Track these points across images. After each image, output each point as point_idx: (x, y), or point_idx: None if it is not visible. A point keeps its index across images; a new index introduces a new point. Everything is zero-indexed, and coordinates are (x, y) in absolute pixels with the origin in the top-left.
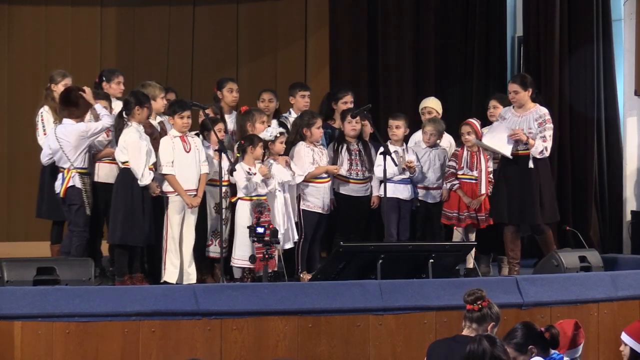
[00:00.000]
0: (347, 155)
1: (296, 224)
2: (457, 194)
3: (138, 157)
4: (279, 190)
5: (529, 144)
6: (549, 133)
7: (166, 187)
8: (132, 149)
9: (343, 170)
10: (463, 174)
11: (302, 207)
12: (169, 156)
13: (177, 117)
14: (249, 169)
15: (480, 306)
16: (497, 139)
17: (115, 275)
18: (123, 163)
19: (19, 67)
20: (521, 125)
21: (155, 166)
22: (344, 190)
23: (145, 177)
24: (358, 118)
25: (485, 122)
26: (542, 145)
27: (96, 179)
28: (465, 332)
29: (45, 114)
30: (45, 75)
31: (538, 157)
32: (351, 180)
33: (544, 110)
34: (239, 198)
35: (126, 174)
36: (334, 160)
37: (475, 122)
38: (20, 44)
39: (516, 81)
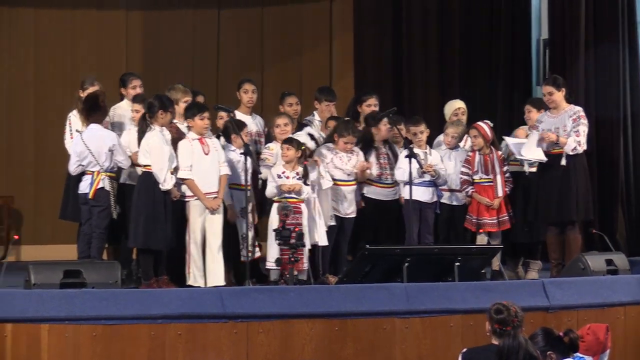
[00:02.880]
0: (375, 160)
1: (332, 227)
2: (475, 199)
3: (160, 161)
4: (315, 197)
5: (561, 142)
6: (583, 129)
7: (186, 190)
8: (154, 153)
9: (373, 174)
10: (479, 178)
11: None
12: (187, 160)
13: (197, 118)
14: (282, 172)
15: (511, 326)
16: (531, 149)
17: (141, 279)
18: (145, 166)
19: (45, 71)
20: (556, 125)
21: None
22: (373, 194)
23: (167, 182)
24: (385, 121)
25: (516, 122)
26: (574, 142)
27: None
28: (494, 341)
29: (73, 118)
30: (71, 79)
31: (571, 153)
32: (381, 185)
33: (578, 108)
34: (272, 201)
35: (148, 178)
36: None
37: (483, 125)
38: (46, 48)
39: (549, 83)
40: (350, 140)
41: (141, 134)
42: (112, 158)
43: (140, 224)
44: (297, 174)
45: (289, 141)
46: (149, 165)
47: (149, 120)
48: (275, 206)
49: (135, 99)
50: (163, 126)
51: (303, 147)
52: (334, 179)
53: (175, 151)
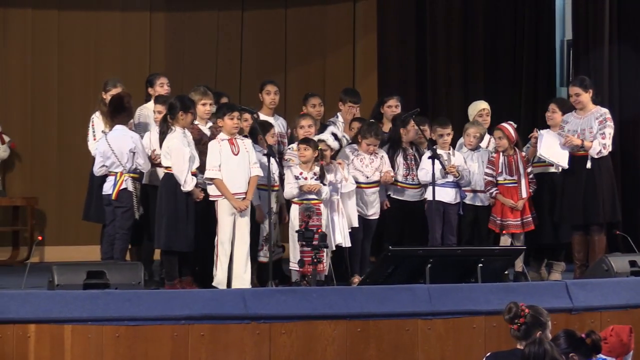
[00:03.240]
0: (402, 160)
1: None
2: (499, 200)
3: (181, 162)
4: (338, 198)
5: (586, 146)
6: (609, 131)
7: (214, 191)
8: (175, 155)
9: (399, 176)
10: (504, 180)
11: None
12: (215, 160)
13: (227, 118)
14: (300, 173)
15: (519, 324)
16: (554, 150)
17: (164, 280)
18: (167, 168)
19: (68, 73)
20: (582, 127)
21: (202, 171)
22: (398, 195)
23: (188, 183)
24: (412, 123)
25: (539, 123)
26: (599, 145)
27: (144, 181)
28: (519, 346)
29: (96, 119)
30: (95, 81)
31: (596, 157)
32: (407, 186)
33: (604, 110)
34: (292, 202)
35: (169, 179)
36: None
37: (507, 126)
38: (70, 50)
39: (576, 84)
40: (373, 142)
41: (162, 135)
42: (134, 159)
43: (162, 225)
44: (315, 174)
45: (306, 141)
46: (171, 167)
47: (170, 121)
48: (295, 207)
49: (157, 100)
50: (184, 127)
51: (320, 148)
52: (356, 182)
53: (198, 152)
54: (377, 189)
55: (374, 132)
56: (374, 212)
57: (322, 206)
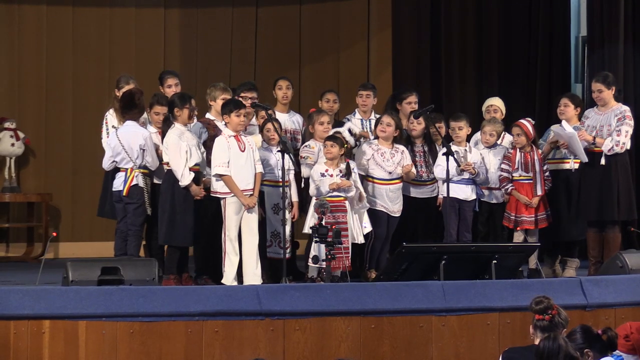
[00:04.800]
0: (411, 155)
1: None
2: (514, 196)
3: (177, 157)
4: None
5: (597, 143)
6: (626, 129)
7: (222, 188)
8: (170, 150)
9: (415, 174)
10: (519, 176)
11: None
12: (224, 156)
13: (233, 114)
14: (325, 170)
15: (551, 315)
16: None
17: (162, 275)
18: (166, 164)
19: (83, 69)
20: (602, 123)
21: (209, 165)
22: (413, 192)
23: (185, 178)
24: (421, 118)
25: (554, 120)
26: (611, 142)
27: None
28: (537, 341)
29: (109, 117)
30: (109, 77)
31: (608, 154)
32: (416, 182)
33: (625, 107)
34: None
35: (169, 175)
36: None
37: (526, 123)
38: (85, 46)
39: (599, 80)
40: (388, 121)
41: (164, 134)
42: (144, 156)
43: (164, 221)
44: (340, 171)
45: (333, 138)
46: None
47: (171, 119)
48: (313, 204)
49: (156, 100)
50: (185, 124)
51: (346, 145)
52: (373, 178)
53: (207, 149)
54: (400, 185)
55: (388, 113)
56: (397, 209)
57: (347, 204)
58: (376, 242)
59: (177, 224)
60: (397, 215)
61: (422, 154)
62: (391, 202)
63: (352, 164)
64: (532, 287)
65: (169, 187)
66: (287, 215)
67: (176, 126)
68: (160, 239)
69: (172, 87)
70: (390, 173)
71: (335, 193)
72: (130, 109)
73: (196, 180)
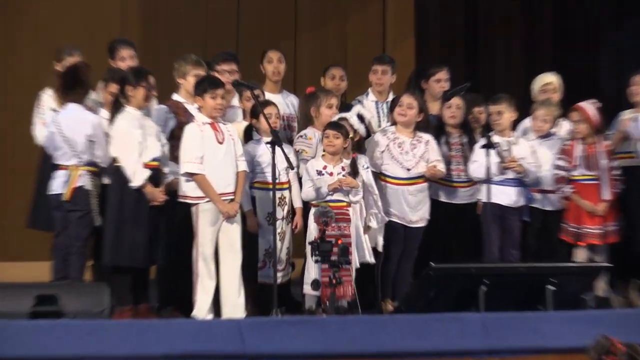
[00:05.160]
0: (446, 150)
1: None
2: (574, 202)
3: (127, 150)
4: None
5: None
6: None
7: (193, 190)
8: (118, 140)
9: (443, 172)
10: (580, 175)
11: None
12: (196, 150)
13: (207, 96)
14: (324, 167)
15: None
16: None
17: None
18: (115, 159)
19: (13, 39)
20: None
21: (176, 161)
22: (442, 196)
23: (136, 176)
24: (460, 102)
25: (625, 104)
26: None
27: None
28: None
29: (46, 97)
30: (48, 49)
31: None
32: (452, 184)
33: None
34: (310, 205)
35: (119, 174)
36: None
37: (588, 106)
38: (17, 9)
39: None
40: (408, 102)
41: (112, 119)
42: (91, 149)
43: (109, 234)
44: (343, 169)
45: (336, 126)
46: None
47: (122, 100)
48: (312, 212)
49: (109, 75)
50: (140, 107)
51: (352, 136)
52: (387, 176)
53: (175, 140)
54: (424, 185)
55: (409, 92)
56: (418, 217)
57: (350, 211)
58: (387, 263)
59: (126, 237)
60: (419, 226)
61: (459, 147)
62: (410, 209)
63: (363, 160)
64: (601, 320)
65: (117, 188)
66: (286, 228)
67: (128, 110)
68: (104, 257)
69: (126, 61)
70: (409, 170)
71: (335, 196)
72: (73, 87)
73: (154, 180)
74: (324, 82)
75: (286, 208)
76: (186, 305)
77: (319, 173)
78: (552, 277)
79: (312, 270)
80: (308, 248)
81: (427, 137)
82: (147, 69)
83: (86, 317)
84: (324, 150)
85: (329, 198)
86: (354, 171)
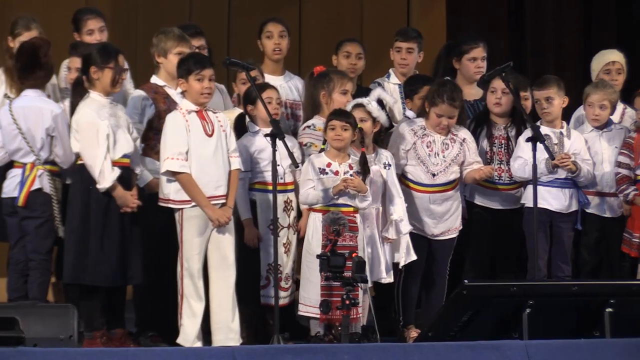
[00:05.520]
0: (486, 145)
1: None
2: (637, 206)
3: (92, 145)
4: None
5: None
6: None
7: (177, 193)
8: (83, 133)
9: (491, 174)
10: None
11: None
12: (180, 144)
13: (192, 78)
14: (328, 164)
15: None
16: None
17: (82, 331)
18: (79, 157)
19: None
20: None
21: (154, 157)
22: (482, 199)
23: (104, 177)
24: (502, 85)
25: None
26: None
27: None
28: None
29: None
30: (4, 28)
31: None
32: (494, 185)
33: None
34: (311, 209)
35: (83, 174)
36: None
37: None
38: None
39: None
40: (447, 112)
41: (74, 107)
42: (51, 145)
43: (71, 246)
44: (351, 167)
45: (344, 115)
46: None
47: (86, 84)
48: (315, 218)
49: (73, 50)
50: (107, 93)
51: (360, 127)
52: (408, 179)
53: (153, 132)
54: (453, 192)
55: (447, 96)
56: (445, 229)
57: (358, 219)
58: (409, 282)
59: (91, 251)
60: (448, 237)
61: (504, 142)
62: (433, 220)
63: (384, 156)
64: None
65: (81, 191)
66: (292, 238)
67: (92, 96)
68: (64, 274)
69: (94, 35)
70: (434, 175)
71: (341, 200)
72: (31, 70)
73: (124, 181)
74: (337, 61)
75: (292, 214)
76: (169, 330)
77: (322, 172)
78: (611, 298)
79: (309, 288)
80: (305, 261)
81: (463, 134)
82: (116, 47)
83: (50, 344)
84: (323, 143)
85: (333, 202)
86: (363, 170)
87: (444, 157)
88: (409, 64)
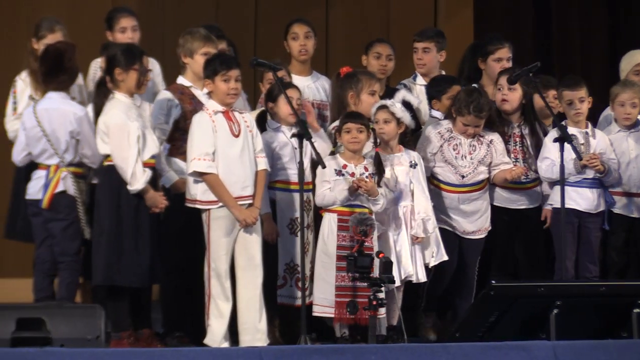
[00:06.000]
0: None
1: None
2: None
3: (124, 146)
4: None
5: None
6: None
7: (203, 194)
8: (113, 135)
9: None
10: None
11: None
12: (206, 144)
13: (219, 79)
14: (343, 166)
15: None
16: None
17: (109, 332)
18: (106, 158)
19: None
20: None
21: (181, 158)
22: (502, 199)
23: (137, 179)
24: (518, 85)
25: None
26: None
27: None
28: None
29: (20, 83)
30: (26, 23)
31: None
32: (514, 185)
33: None
34: (326, 210)
35: (111, 175)
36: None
37: None
38: None
39: None
40: (473, 122)
41: (98, 107)
42: (77, 147)
43: (100, 248)
44: (366, 168)
45: (358, 117)
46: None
47: (109, 84)
48: (330, 218)
49: (105, 51)
50: (131, 94)
51: (372, 127)
52: (438, 180)
53: (179, 132)
54: (482, 192)
55: (473, 106)
56: (477, 228)
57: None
58: (436, 280)
59: (124, 252)
60: (478, 237)
61: (518, 139)
62: (464, 219)
63: (409, 157)
64: None
65: (110, 193)
66: (310, 238)
67: (117, 97)
68: (95, 276)
69: (126, 33)
70: (463, 177)
71: (356, 201)
72: (55, 74)
73: (152, 181)
74: (367, 62)
75: (311, 214)
76: (196, 331)
77: (338, 173)
78: (639, 299)
79: (325, 288)
80: (320, 261)
81: (491, 136)
82: (140, 48)
83: (78, 344)
84: (335, 145)
85: (349, 203)
86: (379, 170)
87: (471, 159)
88: (425, 64)
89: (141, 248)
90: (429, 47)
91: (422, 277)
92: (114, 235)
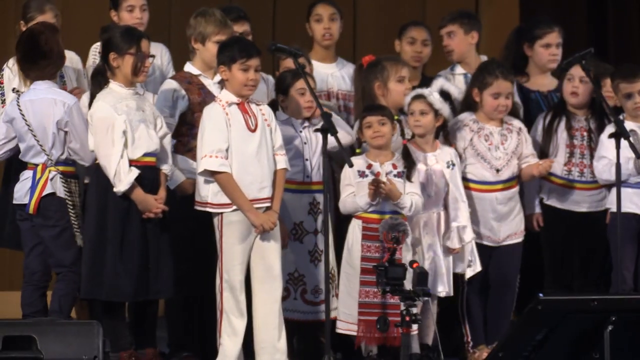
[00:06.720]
0: (565, 137)
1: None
2: None
3: (106, 143)
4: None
5: None
6: None
7: (215, 196)
8: (97, 129)
9: (557, 165)
10: None
11: None
12: (219, 140)
13: (236, 67)
14: (368, 166)
15: None
16: None
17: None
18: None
19: None
20: None
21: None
22: (557, 200)
23: (120, 179)
24: (581, 72)
25: None
26: None
27: None
28: None
29: (7, 72)
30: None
31: None
32: (574, 185)
33: None
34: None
35: (99, 175)
36: (543, 147)
37: None
38: None
39: None
40: (504, 87)
41: (93, 98)
42: (65, 142)
43: (85, 256)
44: (394, 166)
45: (378, 109)
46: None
47: (108, 72)
48: (356, 224)
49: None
50: (128, 83)
51: (397, 117)
52: (474, 181)
53: (187, 126)
54: (516, 190)
55: (499, 70)
56: (512, 232)
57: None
58: (473, 296)
59: (109, 261)
60: (514, 242)
61: (585, 135)
62: (498, 223)
63: (447, 155)
64: None
65: (98, 194)
66: (320, 244)
67: (111, 87)
68: (82, 289)
69: (134, 12)
70: (498, 171)
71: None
72: (32, 59)
73: (149, 182)
74: (400, 47)
75: (320, 217)
76: (206, 351)
77: (362, 175)
78: None
79: (350, 304)
80: (345, 273)
81: (518, 123)
82: (141, 32)
83: None
84: (359, 146)
85: (375, 209)
86: (409, 164)
87: (504, 149)
88: (453, 49)
89: (127, 258)
90: (453, 30)
91: (449, 292)
92: (97, 243)
